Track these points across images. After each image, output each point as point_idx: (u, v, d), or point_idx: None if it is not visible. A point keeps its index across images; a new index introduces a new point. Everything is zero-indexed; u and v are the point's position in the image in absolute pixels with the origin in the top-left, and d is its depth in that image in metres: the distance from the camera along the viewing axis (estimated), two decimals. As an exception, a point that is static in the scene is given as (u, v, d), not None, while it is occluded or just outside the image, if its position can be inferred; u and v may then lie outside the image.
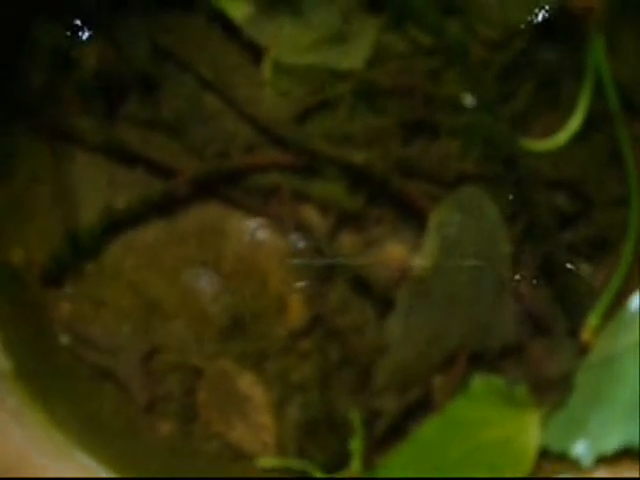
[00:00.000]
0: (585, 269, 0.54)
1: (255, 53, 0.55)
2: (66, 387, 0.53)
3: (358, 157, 0.53)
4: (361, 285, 0.53)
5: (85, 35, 0.55)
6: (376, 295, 0.53)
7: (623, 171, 0.53)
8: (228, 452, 0.53)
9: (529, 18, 0.54)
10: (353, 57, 0.54)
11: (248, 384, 0.53)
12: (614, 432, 0.48)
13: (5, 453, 0.49)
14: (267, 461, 0.52)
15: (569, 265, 0.53)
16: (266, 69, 0.55)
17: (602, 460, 0.48)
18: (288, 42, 0.55)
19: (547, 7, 0.54)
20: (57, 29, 0.56)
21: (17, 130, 0.56)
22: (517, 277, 0.53)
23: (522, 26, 0.54)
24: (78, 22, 0.55)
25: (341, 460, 0.51)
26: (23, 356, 0.53)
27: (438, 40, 0.54)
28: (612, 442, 0.48)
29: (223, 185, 0.54)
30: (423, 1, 0.54)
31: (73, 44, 0.55)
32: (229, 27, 0.55)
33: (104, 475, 0.50)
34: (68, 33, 0.55)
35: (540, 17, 0.54)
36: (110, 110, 0.55)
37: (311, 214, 0.54)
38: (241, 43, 0.55)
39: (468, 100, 0.53)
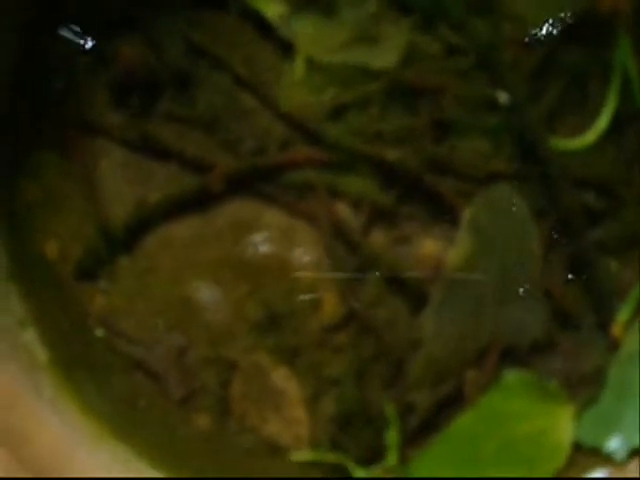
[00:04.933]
0: (614, 265, 0.54)
1: (288, 51, 0.55)
2: (101, 378, 0.54)
3: (391, 154, 0.53)
4: (394, 281, 0.53)
5: (120, 32, 0.56)
6: (409, 291, 0.53)
7: (651, 169, 0.54)
8: (262, 446, 0.53)
9: (558, 18, 0.55)
10: (385, 56, 0.55)
11: (282, 378, 0.53)
12: (647, 426, 0.49)
13: (41, 441, 0.49)
14: (301, 455, 0.52)
15: (598, 262, 0.54)
16: (298, 67, 0.55)
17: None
18: (320, 41, 0.55)
19: (575, 8, 0.55)
20: (90, 25, 0.56)
21: (48, 125, 0.56)
22: (547, 273, 0.54)
23: (551, 26, 0.55)
24: (113, 19, 0.56)
25: (375, 453, 0.52)
26: (59, 347, 0.53)
27: (468, 40, 0.54)
28: (645, 436, 0.49)
29: (257, 181, 0.54)
30: (453, 1, 0.55)
31: (107, 41, 0.56)
32: (262, 25, 0.55)
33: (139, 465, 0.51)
34: (102, 30, 0.56)
35: (568, 18, 0.55)
36: (145, 106, 0.55)
37: (344, 210, 0.54)
38: (274, 41, 0.56)
39: (503, 98, 0.53)
